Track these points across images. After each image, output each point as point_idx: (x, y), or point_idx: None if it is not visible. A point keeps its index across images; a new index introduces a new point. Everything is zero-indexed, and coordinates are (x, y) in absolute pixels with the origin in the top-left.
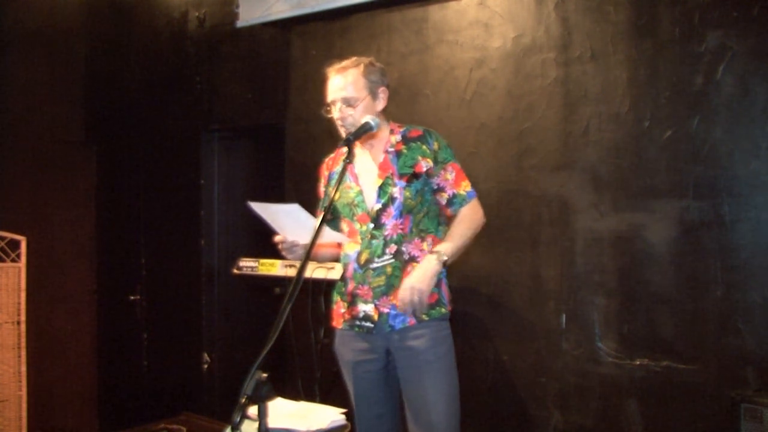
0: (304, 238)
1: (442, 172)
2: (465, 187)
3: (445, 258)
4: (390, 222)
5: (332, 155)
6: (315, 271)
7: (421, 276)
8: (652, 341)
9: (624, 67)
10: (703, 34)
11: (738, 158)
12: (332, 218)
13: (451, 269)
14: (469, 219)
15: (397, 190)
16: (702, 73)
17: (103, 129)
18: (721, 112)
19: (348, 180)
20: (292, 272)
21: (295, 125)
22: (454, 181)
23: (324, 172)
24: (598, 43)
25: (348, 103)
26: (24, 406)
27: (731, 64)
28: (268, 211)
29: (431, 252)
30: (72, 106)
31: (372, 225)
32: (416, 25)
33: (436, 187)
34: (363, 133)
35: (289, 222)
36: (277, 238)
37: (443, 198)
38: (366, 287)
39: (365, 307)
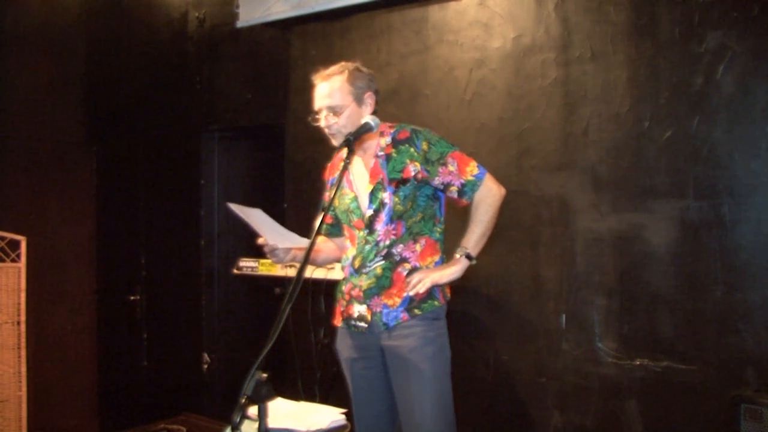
0: (282, 242)
1: (442, 168)
2: (471, 171)
3: (468, 251)
4: (382, 227)
5: (333, 160)
6: (315, 272)
7: (442, 272)
8: (652, 341)
9: (624, 67)
10: (703, 34)
11: (738, 158)
12: (335, 223)
13: None
14: (484, 202)
15: (387, 196)
16: (702, 73)
17: (103, 129)
18: (721, 112)
19: (345, 186)
20: (292, 272)
21: (295, 125)
22: (458, 171)
23: (328, 178)
24: (598, 43)
25: (333, 111)
26: (24, 406)
27: (731, 64)
28: (244, 213)
29: (458, 248)
30: (72, 106)
31: (366, 230)
32: (416, 25)
33: (441, 186)
34: (363, 133)
35: (263, 225)
36: (260, 241)
37: (453, 192)
38: (358, 290)
39: (359, 308)
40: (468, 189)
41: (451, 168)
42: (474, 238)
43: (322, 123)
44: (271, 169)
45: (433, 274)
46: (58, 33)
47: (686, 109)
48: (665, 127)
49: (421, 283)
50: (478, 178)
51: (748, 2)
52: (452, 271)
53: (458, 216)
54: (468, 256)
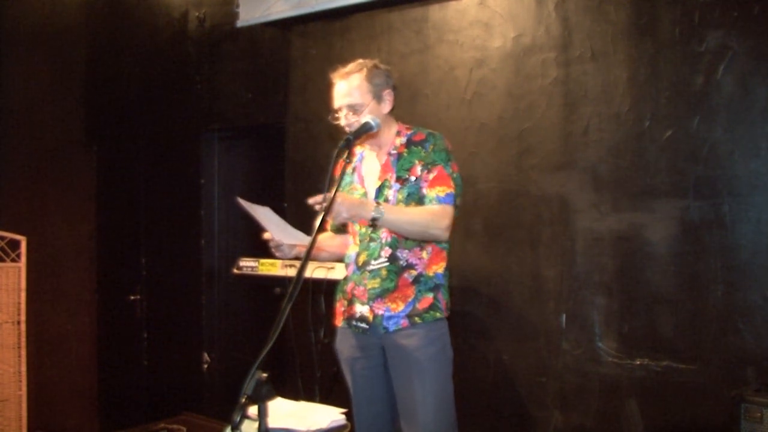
0: (287, 239)
1: (425, 173)
2: (438, 191)
3: (379, 215)
4: None
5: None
6: (315, 271)
7: (352, 202)
8: (652, 341)
9: (624, 67)
10: (703, 34)
11: (738, 158)
12: None
13: (451, 269)
14: (425, 211)
15: (391, 193)
16: (702, 73)
17: (103, 129)
18: (721, 112)
19: (355, 182)
20: (292, 272)
21: (295, 125)
22: (430, 182)
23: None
24: (598, 43)
25: (353, 109)
26: (24, 406)
27: (731, 64)
28: (252, 210)
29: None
30: (72, 106)
31: (371, 227)
32: (416, 25)
33: (422, 187)
34: (363, 132)
35: (270, 222)
36: (265, 236)
37: (422, 197)
38: (362, 288)
39: (361, 308)
40: (426, 201)
41: (429, 176)
42: (394, 215)
43: (342, 122)
44: (271, 169)
45: (346, 204)
46: (58, 33)
47: (686, 109)
48: (665, 126)
49: (335, 207)
50: (437, 199)
51: (749, 2)
52: (356, 206)
53: (463, 224)
54: (378, 210)
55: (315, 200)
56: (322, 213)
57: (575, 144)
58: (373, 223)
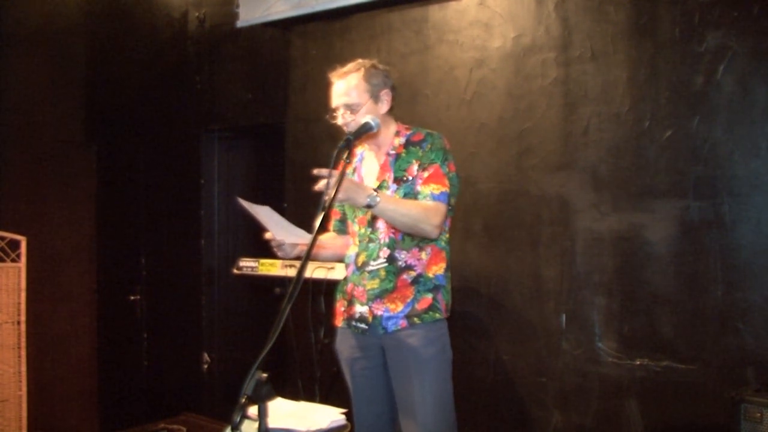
0: (289, 238)
1: (421, 171)
2: (432, 189)
3: (373, 203)
4: (383, 225)
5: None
6: (315, 271)
7: (350, 183)
8: (652, 341)
9: (624, 67)
10: (703, 34)
11: (738, 158)
12: (344, 219)
13: (451, 270)
14: (418, 205)
15: (389, 194)
16: (702, 73)
17: (103, 129)
18: (721, 112)
19: None
20: (292, 272)
21: (295, 125)
22: (425, 180)
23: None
24: (598, 43)
25: (350, 109)
26: (24, 406)
27: (731, 64)
28: (253, 210)
29: (377, 191)
30: (72, 106)
31: (369, 228)
32: (416, 25)
33: (416, 184)
34: (363, 133)
35: (271, 221)
36: (267, 235)
37: (416, 195)
38: (361, 289)
39: (361, 309)
40: (420, 198)
41: (424, 174)
42: (391, 204)
43: (339, 121)
44: (271, 169)
45: (349, 184)
46: (58, 33)
47: (686, 109)
48: (665, 127)
49: (332, 183)
50: (432, 197)
51: (749, 2)
52: (355, 189)
53: (463, 224)
54: (373, 197)
55: (319, 171)
56: (322, 212)
57: (575, 144)
58: (367, 209)
